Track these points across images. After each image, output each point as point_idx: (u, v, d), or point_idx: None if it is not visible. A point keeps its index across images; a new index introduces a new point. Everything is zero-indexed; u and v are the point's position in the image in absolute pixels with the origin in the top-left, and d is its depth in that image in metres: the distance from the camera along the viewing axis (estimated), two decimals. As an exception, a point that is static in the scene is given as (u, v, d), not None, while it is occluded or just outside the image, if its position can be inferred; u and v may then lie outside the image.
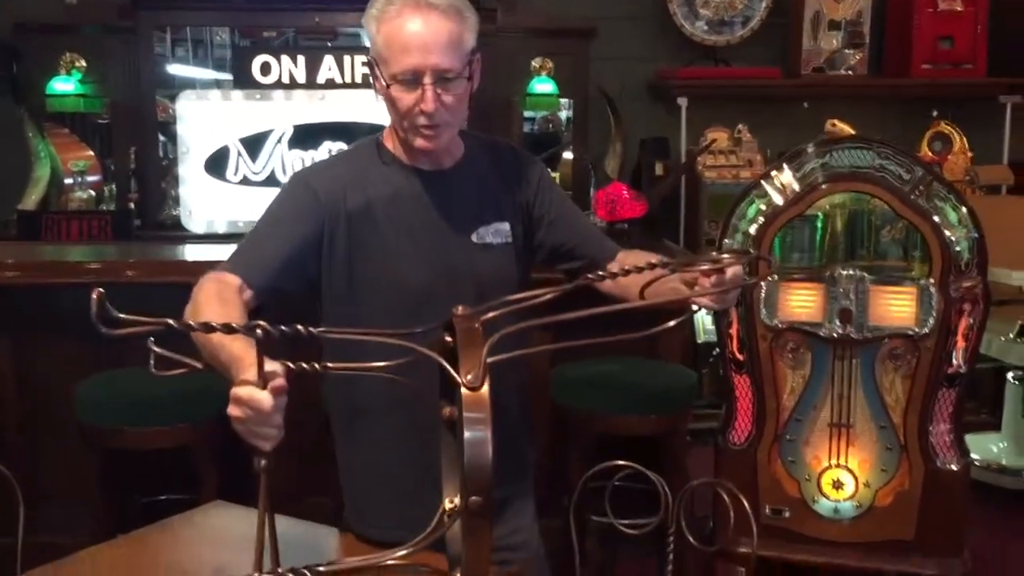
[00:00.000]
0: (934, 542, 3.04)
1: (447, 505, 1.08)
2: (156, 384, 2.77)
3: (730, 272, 1.43)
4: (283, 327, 1.14)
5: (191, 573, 1.58)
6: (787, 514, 3.16)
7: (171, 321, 1.09)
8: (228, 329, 1.12)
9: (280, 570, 1.15)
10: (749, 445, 3.18)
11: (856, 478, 3.09)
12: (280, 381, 1.17)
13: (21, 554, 1.95)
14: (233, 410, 1.18)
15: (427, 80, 1.56)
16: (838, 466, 3.10)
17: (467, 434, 1.01)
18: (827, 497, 3.12)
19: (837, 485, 3.11)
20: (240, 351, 1.25)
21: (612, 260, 1.80)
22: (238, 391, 1.18)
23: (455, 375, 1.05)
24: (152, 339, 1.15)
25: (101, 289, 1.03)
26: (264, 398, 1.15)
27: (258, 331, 1.11)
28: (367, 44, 1.68)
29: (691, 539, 2.08)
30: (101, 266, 3.21)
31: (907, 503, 3.06)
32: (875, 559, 3.09)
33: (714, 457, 3.29)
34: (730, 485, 2.11)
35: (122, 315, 1.05)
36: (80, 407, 2.75)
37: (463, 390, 1.03)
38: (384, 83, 1.60)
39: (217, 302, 1.47)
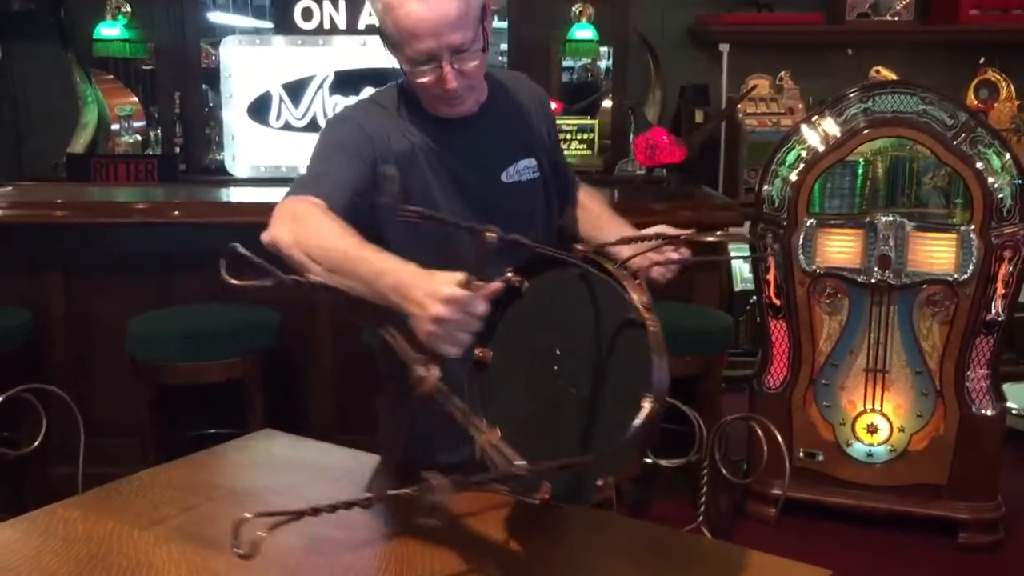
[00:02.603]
0: (967, 487, 3.07)
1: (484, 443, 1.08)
2: (206, 320, 2.87)
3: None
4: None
5: (241, 493, 1.65)
6: (820, 457, 3.19)
7: (312, 278, 1.19)
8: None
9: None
10: (784, 389, 3.21)
11: (891, 423, 3.12)
12: (496, 285, 1.20)
13: (82, 479, 2.07)
14: (440, 309, 1.14)
15: (444, 59, 1.55)
16: (873, 411, 3.13)
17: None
18: (861, 441, 3.15)
19: (872, 429, 3.14)
20: (391, 260, 1.25)
21: (574, 204, 1.85)
22: (456, 292, 1.14)
23: None
24: (237, 245, 1.16)
25: (238, 244, 1.06)
26: (480, 303, 1.15)
27: (489, 235, 1.16)
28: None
29: (724, 472, 2.13)
30: (149, 207, 3.27)
31: (941, 448, 3.08)
32: (907, 503, 3.12)
33: (748, 401, 3.33)
34: (764, 419, 2.16)
35: (254, 257, 1.10)
36: (132, 343, 2.83)
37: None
38: (401, 66, 1.61)
39: (321, 213, 1.43)
